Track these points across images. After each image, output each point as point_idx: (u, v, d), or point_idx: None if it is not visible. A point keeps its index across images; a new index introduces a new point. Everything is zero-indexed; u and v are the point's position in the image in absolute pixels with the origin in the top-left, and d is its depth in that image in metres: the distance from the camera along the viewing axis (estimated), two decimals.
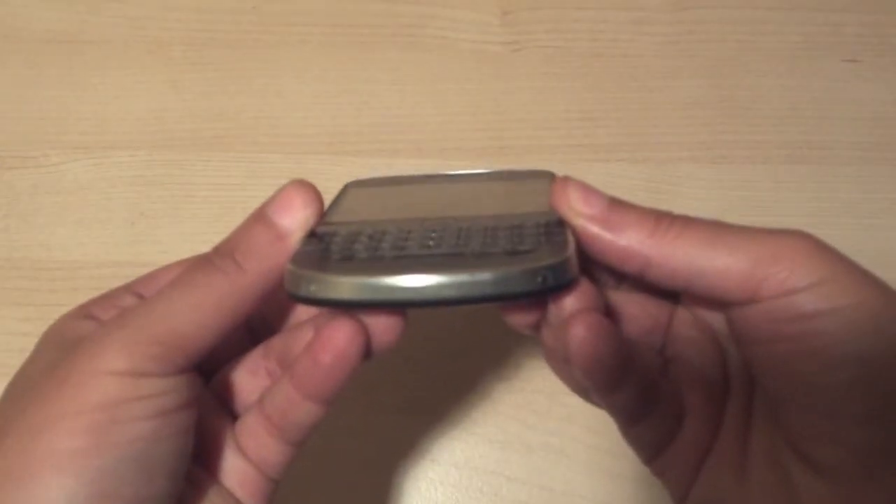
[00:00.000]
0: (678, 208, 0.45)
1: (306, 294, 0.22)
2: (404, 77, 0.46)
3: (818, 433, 0.24)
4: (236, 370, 0.28)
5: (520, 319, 0.26)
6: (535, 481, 0.38)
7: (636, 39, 0.48)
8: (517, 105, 0.46)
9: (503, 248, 0.23)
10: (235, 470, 0.27)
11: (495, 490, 0.38)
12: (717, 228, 0.24)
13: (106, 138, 0.44)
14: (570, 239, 0.24)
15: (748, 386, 0.27)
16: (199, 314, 0.23)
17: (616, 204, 0.25)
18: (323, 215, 0.26)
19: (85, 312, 0.26)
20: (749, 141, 0.45)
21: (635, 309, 0.28)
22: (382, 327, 0.24)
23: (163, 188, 0.43)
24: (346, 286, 0.22)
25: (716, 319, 0.28)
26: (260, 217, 0.25)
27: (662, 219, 0.25)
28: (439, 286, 0.21)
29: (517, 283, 0.22)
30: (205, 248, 0.26)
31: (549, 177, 0.29)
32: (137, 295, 0.27)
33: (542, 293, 0.22)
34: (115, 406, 0.22)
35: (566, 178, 0.26)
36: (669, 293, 0.28)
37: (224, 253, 0.24)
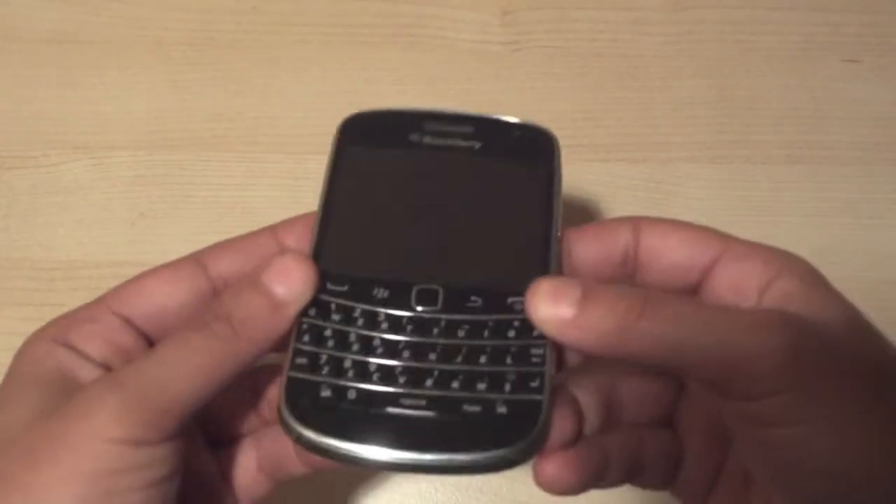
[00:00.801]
0: (678, 208, 0.45)
1: (296, 439, 0.24)
2: (404, 77, 0.46)
3: None
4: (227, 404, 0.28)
5: None
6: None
7: (636, 39, 0.48)
8: (517, 105, 0.46)
9: (477, 408, 0.24)
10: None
11: (495, 490, 0.38)
12: (689, 317, 0.23)
13: (106, 138, 0.44)
14: (547, 374, 0.24)
15: None
16: (193, 380, 0.23)
17: (585, 301, 0.24)
18: (324, 209, 0.27)
19: (63, 339, 0.25)
20: (749, 141, 0.45)
21: (635, 394, 0.28)
22: None
23: (163, 188, 0.43)
24: (326, 446, 0.23)
25: None
26: (257, 285, 0.24)
27: (632, 306, 0.23)
28: (413, 464, 0.23)
29: (487, 465, 0.23)
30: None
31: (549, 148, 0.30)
32: (118, 315, 0.26)
33: (512, 465, 0.24)
34: (111, 476, 0.22)
35: (533, 291, 0.24)
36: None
37: (221, 318, 0.24)
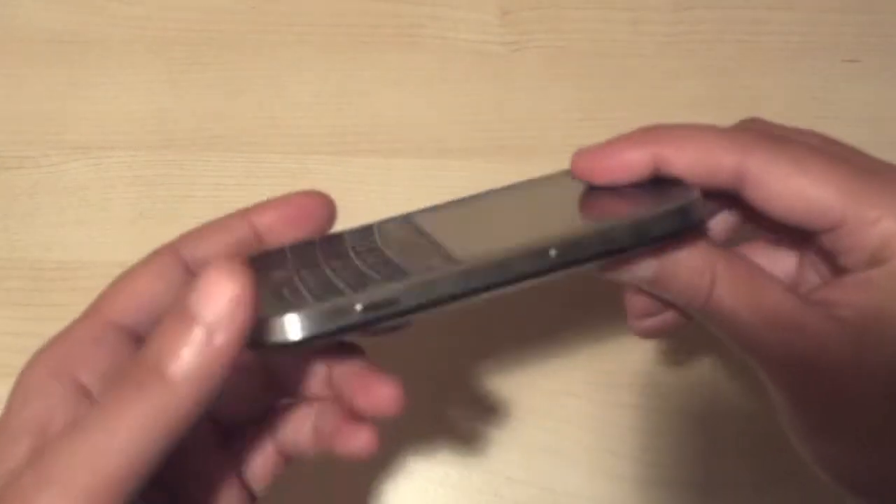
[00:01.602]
0: None
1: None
2: (404, 77, 0.46)
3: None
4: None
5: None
6: (535, 481, 0.38)
7: (636, 39, 0.48)
8: (517, 105, 0.46)
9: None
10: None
11: (495, 490, 0.38)
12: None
13: (106, 138, 0.44)
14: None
15: None
16: (128, 449, 0.20)
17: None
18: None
19: (64, 372, 0.24)
20: None
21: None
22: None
23: (163, 188, 0.43)
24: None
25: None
26: (184, 316, 0.20)
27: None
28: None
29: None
30: None
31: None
32: (119, 328, 0.25)
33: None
34: None
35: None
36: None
37: (149, 367, 0.21)
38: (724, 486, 0.39)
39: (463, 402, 0.40)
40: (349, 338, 0.26)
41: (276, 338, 0.22)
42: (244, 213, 0.27)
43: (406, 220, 0.27)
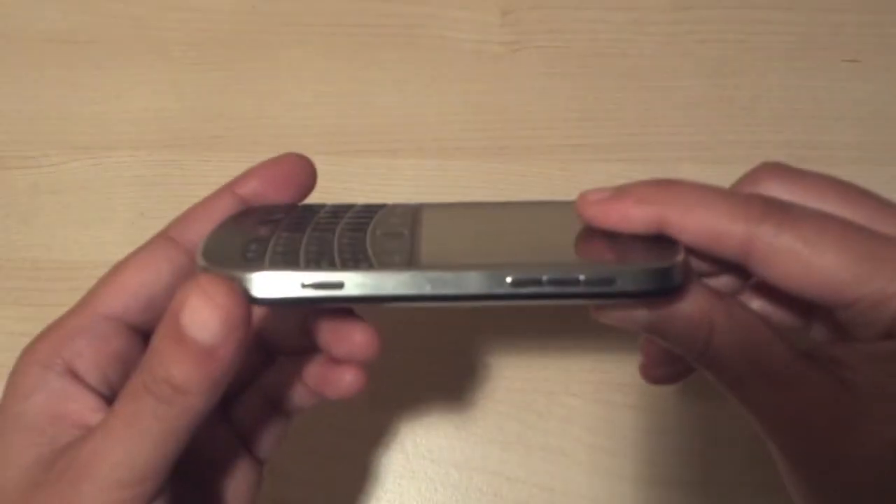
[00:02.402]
0: None
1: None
2: (404, 77, 0.46)
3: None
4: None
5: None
6: (535, 481, 0.38)
7: (636, 39, 0.48)
8: (517, 105, 0.46)
9: None
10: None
11: (495, 490, 0.38)
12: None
13: (106, 138, 0.44)
14: None
15: None
16: (154, 447, 0.22)
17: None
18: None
19: (55, 361, 0.24)
20: (749, 141, 0.45)
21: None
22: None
23: (163, 188, 0.43)
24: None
25: None
26: (179, 334, 0.21)
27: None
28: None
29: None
30: None
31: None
32: (109, 318, 0.25)
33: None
34: None
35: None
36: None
37: (157, 378, 0.22)
38: (724, 486, 0.39)
39: (463, 402, 0.40)
40: (308, 309, 0.27)
41: None
42: (229, 186, 0.28)
43: (415, 209, 0.27)
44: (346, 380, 0.27)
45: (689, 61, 0.47)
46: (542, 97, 0.46)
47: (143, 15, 0.47)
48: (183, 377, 0.21)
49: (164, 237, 0.27)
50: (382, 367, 0.39)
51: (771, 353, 0.24)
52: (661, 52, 0.47)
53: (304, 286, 0.22)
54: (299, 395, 0.29)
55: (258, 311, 0.25)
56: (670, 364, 0.28)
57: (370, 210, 0.27)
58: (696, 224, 0.24)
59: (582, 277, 0.22)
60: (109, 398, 0.24)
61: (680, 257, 0.23)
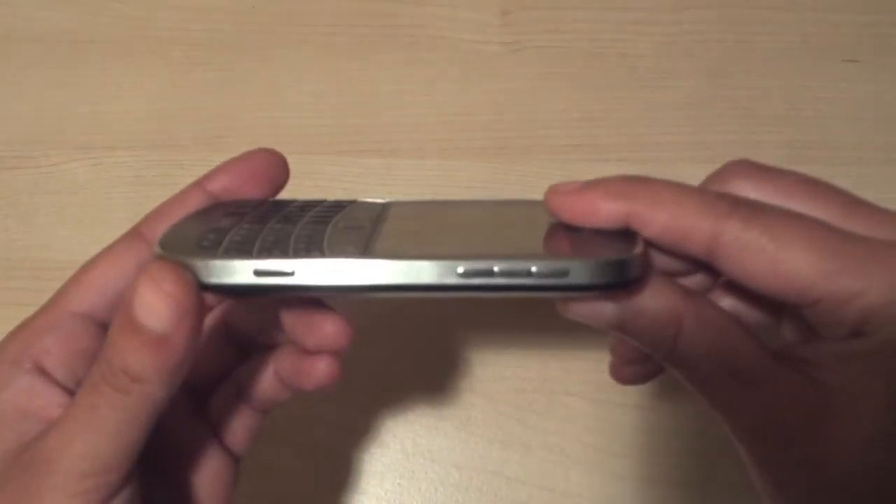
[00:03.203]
0: None
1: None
2: (404, 77, 0.46)
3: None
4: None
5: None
6: (535, 481, 0.38)
7: (636, 39, 0.48)
8: (517, 105, 0.46)
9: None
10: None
11: (495, 490, 0.38)
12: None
13: (106, 138, 0.44)
14: None
15: None
16: (116, 438, 0.22)
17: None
18: None
19: (24, 359, 0.25)
20: (749, 141, 0.45)
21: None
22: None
23: (163, 188, 0.43)
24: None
25: None
26: (132, 322, 0.21)
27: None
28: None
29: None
30: None
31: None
32: (78, 315, 0.26)
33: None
34: None
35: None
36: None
37: (115, 368, 0.22)
38: (724, 486, 0.39)
39: (463, 402, 0.40)
40: (267, 299, 0.27)
41: None
42: (199, 182, 0.28)
43: (384, 205, 0.27)
44: (320, 369, 0.26)
45: (689, 61, 0.47)
46: (542, 97, 0.46)
47: (143, 15, 0.47)
48: (138, 366, 0.21)
49: (134, 233, 0.27)
50: (382, 367, 0.39)
51: (740, 353, 0.24)
52: (661, 52, 0.47)
53: (256, 273, 0.22)
54: (273, 389, 0.28)
55: (214, 300, 0.25)
56: (640, 363, 0.28)
57: (339, 205, 0.27)
58: (663, 220, 0.23)
59: (534, 269, 0.22)
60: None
61: (637, 250, 0.23)
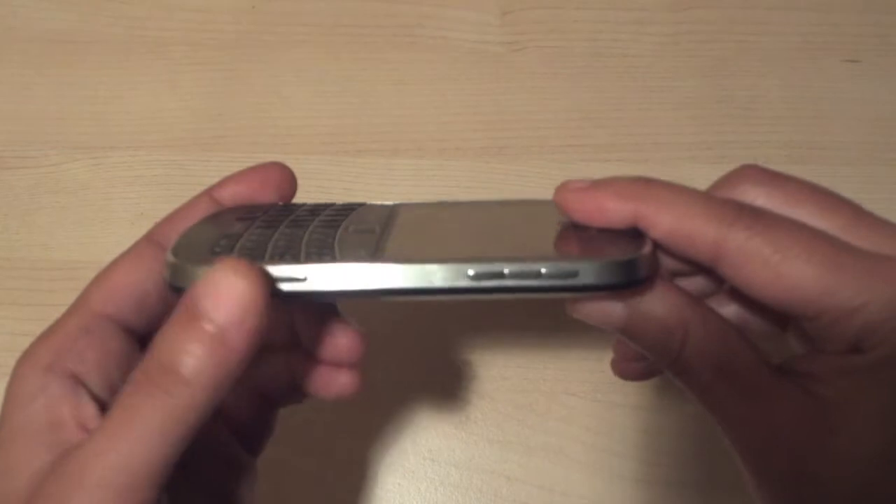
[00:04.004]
0: None
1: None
2: (404, 77, 0.46)
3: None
4: None
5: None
6: (535, 481, 0.38)
7: (636, 39, 0.48)
8: (517, 105, 0.46)
9: None
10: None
11: (495, 490, 0.38)
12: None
13: (106, 138, 0.44)
14: None
15: None
16: (153, 448, 0.21)
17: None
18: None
19: (57, 365, 0.24)
20: (749, 141, 0.45)
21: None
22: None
23: (163, 188, 0.43)
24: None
25: None
26: (194, 317, 0.21)
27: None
28: None
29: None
30: None
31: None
32: (107, 319, 0.25)
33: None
34: None
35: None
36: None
37: (163, 368, 0.21)
38: (724, 486, 0.39)
39: (463, 402, 0.40)
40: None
41: (183, 285, 0.22)
42: (208, 191, 0.28)
43: (392, 208, 0.27)
44: (340, 381, 0.27)
45: (689, 61, 0.47)
46: (542, 97, 0.46)
47: (143, 15, 0.48)
48: (191, 362, 0.20)
49: (148, 239, 0.27)
50: (382, 367, 0.39)
51: (741, 364, 0.24)
52: (661, 52, 0.47)
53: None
54: (290, 391, 0.28)
55: None
56: (642, 359, 0.29)
57: (347, 208, 0.27)
58: (668, 222, 0.24)
59: (544, 270, 0.22)
60: (110, 400, 0.24)
61: (645, 250, 0.23)
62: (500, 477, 0.38)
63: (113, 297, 0.25)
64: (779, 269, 0.23)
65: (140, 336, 0.26)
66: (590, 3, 0.48)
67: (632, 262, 0.23)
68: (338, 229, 0.25)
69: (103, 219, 0.43)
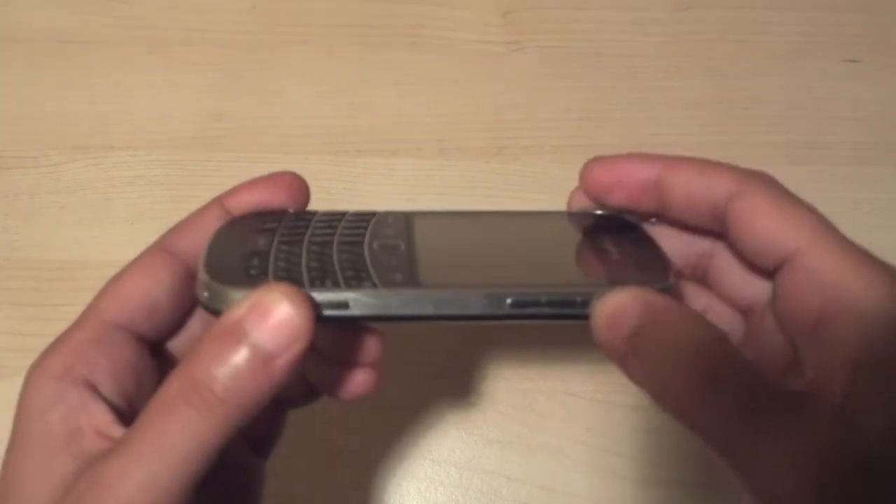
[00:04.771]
0: None
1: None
2: (404, 77, 0.46)
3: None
4: None
5: None
6: (535, 481, 0.38)
7: (636, 39, 0.48)
8: (517, 105, 0.46)
9: None
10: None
11: (495, 490, 0.38)
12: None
13: (106, 138, 0.44)
14: None
15: None
16: (182, 464, 0.21)
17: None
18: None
19: (71, 374, 0.23)
20: (749, 141, 0.45)
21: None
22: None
23: (163, 188, 0.43)
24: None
25: None
26: (239, 337, 0.21)
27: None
28: None
29: None
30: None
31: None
32: (119, 327, 0.25)
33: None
34: None
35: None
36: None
37: (198, 384, 0.21)
38: (724, 487, 0.39)
39: (463, 402, 0.40)
40: None
41: (221, 308, 0.22)
42: (219, 199, 0.28)
43: (405, 218, 0.28)
44: (358, 381, 0.27)
45: (689, 61, 0.47)
46: (542, 97, 0.46)
47: (143, 15, 0.48)
48: (230, 384, 0.20)
49: (159, 247, 0.27)
50: (382, 367, 0.39)
51: (744, 384, 0.24)
52: (662, 52, 0.47)
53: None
54: (303, 393, 0.28)
55: None
56: None
57: (362, 219, 0.27)
58: (689, 173, 0.27)
59: (580, 299, 0.24)
60: (125, 409, 0.24)
61: (672, 277, 0.25)
62: (501, 477, 0.38)
63: (124, 306, 0.25)
64: (781, 224, 0.25)
65: (152, 344, 0.26)
66: (590, 3, 0.48)
67: (665, 290, 0.24)
68: (363, 246, 0.25)
69: (103, 219, 0.43)
